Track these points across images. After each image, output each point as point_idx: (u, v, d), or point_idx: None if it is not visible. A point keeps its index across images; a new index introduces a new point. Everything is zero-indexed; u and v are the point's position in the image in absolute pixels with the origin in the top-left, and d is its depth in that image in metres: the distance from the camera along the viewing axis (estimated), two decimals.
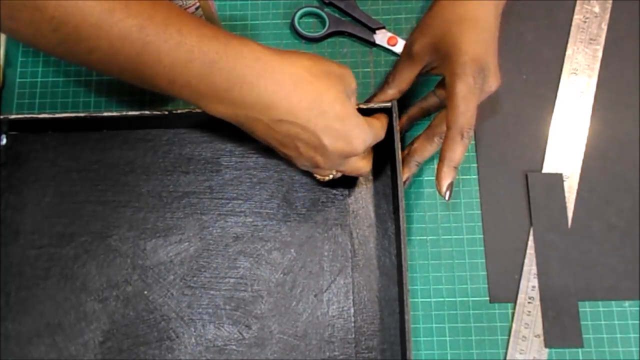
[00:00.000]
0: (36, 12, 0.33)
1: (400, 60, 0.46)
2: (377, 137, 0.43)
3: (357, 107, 0.45)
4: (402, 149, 0.47)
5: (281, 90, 0.36)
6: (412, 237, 0.48)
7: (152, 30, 0.34)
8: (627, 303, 0.47)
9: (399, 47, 0.52)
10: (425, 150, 0.46)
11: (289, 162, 0.44)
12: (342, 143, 0.39)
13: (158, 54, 0.35)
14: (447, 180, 0.42)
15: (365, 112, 0.45)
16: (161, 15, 0.35)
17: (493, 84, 0.42)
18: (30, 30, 0.34)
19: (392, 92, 0.46)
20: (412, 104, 0.49)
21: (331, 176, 0.45)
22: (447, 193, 0.42)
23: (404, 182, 0.46)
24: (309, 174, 0.48)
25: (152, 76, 0.36)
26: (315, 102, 0.37)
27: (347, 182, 0.48)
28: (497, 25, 0.42)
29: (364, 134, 0.40)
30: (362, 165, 0.44)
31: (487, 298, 0.47)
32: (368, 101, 0.46)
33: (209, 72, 0.36)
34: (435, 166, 0.43)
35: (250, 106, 0.37)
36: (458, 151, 0.41)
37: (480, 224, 0.48)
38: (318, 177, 0.46)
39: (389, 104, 0.45)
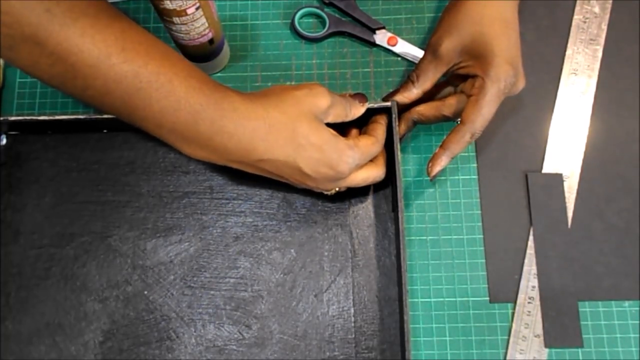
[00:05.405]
0: (36, 46, 0.34)
1: (424, 59, 0.45)
2: (368, 153, 0.43)
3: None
4: (402, 150, 0.46)
5: (257, 135, 0.39)
6: (412, 237, 0.48)
7: (145, 77, 0.36)
8: (627, 303, 0.47)
9: (399, 47, 0.52)
10: (427, 117, 0.46)
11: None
12: (325, 169, 0.40)
13: (149, 99, 0.37)
14: (441, 166, 0.44)
15: (365, 112, 0.45)
16: (155, 63, 0.37)
17: (520, 85, 0.43)
18: (28, 62, 0.36)
19: (416, 91, 0.45)
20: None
21: (334, 192, 0.45)
22: (434, 176, 0.44)
23: (400, 138, 0.47)
24: None
25: (141, 118, 0.38)
26: (290, 138, 0.39)
27: (355, 189, 0.47)
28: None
29: (345, 156, 0.41)
30: (367, 176, 0.44)
31: (487, 298, 0.47)
32: (388, 98, 0.46)
33: (193, 121, 0.38)
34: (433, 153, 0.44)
35: (232, 152, 0.39)
36: (461, 146, 0.43)
37: (480, 224, 0.48)
38: (323, 192, 0.45)
39: (388, 104, 0.45)
